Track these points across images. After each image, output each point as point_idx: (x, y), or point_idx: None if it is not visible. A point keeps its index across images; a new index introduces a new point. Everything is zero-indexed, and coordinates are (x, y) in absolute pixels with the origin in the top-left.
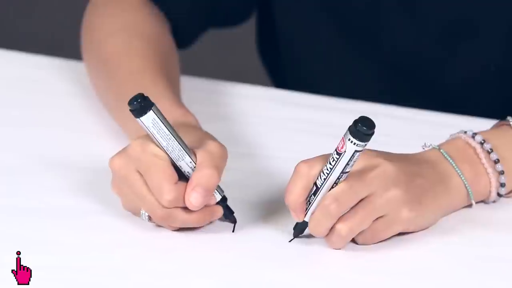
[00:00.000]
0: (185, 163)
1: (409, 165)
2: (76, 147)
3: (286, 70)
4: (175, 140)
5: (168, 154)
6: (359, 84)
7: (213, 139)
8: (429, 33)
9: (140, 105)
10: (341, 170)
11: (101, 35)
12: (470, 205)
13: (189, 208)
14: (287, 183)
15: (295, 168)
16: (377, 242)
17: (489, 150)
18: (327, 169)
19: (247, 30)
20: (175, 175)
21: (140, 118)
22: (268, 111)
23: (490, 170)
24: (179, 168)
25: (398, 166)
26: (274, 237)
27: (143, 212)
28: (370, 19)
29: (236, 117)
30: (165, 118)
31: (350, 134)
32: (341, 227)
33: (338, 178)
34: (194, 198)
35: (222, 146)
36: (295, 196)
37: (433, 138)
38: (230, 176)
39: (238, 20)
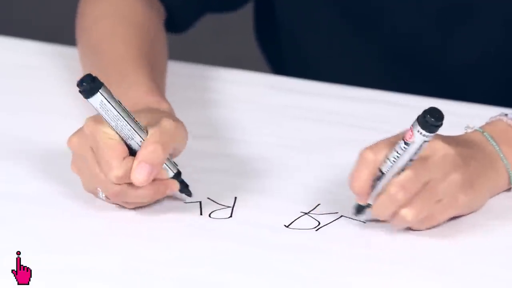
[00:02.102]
0: (135, 142)
1: (465, 148)
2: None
3: (285, 55)
4: (124, 120)
5: (118, 133)
6: (359, 69)
7: (171, 117)
8: (429, 16)
9: (89, 86)
10: (408, 159)
11: (89, 21)
12: (509, 189)
13: (135, 184)
14: (352, 169)
15: (360, 155)
16: (430, 228)
17: None
18: (394, 158)
19: (245, 15)
20: (124, 151)
21: (89, 99)
22: (265, 97)
23: None
24: (131, 147)
25: (456, 149)
26: (271, 223)
27: (100, 191)
28: (370, 3)
29: (233, 103)
30: (114, 99)
31: (419, 125)
32: (407, 213)
33: (404, 166)
34: (138, 174)
35: (176, 123)
36: (361, 183)
37: None
38: (227, 162)
39: (236, 5)
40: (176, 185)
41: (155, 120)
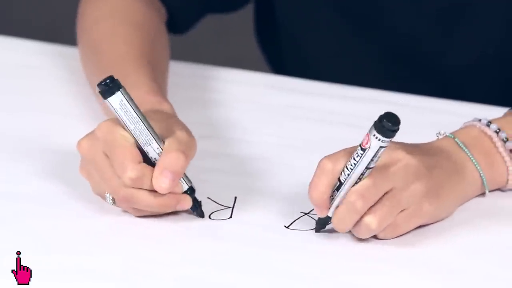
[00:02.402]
0: (152, 149)
1: (428, 156)
2: (74, 133)
3: (285, 55)
4: (142, 124)
5: (134, 138)
6: (359, 69)
7: (183, 128)
8: (428, 16)
9: (109, 86)
10: (365, 166)
11: (90, 21)
12: (483, 194)
13: (158, 190)
14: (311, 178)
15: (319, 164)
16: (396, 237)
17: (505, 139)
18: (351, 165)
19: (245, 15)
20: (139, 156)
21: (108, 99)
22: (266, 97)
23: (507, 158)
24: (145, 154)
25: (418, 159)
26: (271, 224)
27: (108, 195)
28: (370, 3)
29: (233, 103)
30: (133, 102)
31: (375, 129)
32: (371, 220)
33: (362, 174)
34: (162, 182)
35: (190, 136)
36: (319, 193)
37: (430, 124)
38: (227, 162)
39: (237, 6)
40: (188, 201)
41: (167, 129)
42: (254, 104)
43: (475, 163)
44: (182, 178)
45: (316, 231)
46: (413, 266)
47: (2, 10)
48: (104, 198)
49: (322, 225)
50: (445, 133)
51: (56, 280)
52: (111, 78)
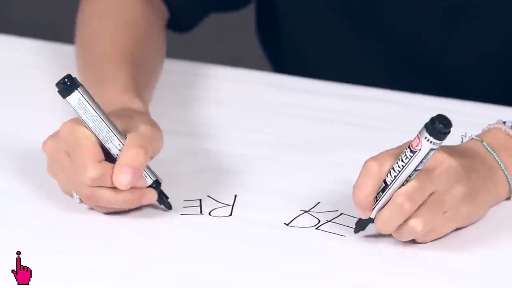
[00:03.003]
0: (114, 145)
1: (467, 159)
2: None
3: (286, 54)
4: (102, 122)
5: (96, 136)
6: (360, 68)
7: (148, 123)
8: (430, 16)
9: (66, 85)
10: (413, 168)
11: (83, 18)
12: (508, 198)
13: (118, 187)
14: (356, 180)
15: (364, 165)
16: (434, 240)
17: None
18: (399, 167)
19: (246, 14)
20: (100, 154)
21: (66, 98)
22: (266, 96)
23: None
24: (109, 151)
25: (459, 161)
26: (271, 221)
27: (75, 194)
28: (371, 2)
29: (234, 102)
30: (93, 100)
31: (427, 132)
32: (416, 224)
33: (409, 176)
34: (121, 177)
35: (153, 129)
36: (364, 195)
37: None
38: (227, 160)
39: (240, 5)
40: (153, 195)
41: (131, 124)
42: (255, 102)
43: (503, 167)
44: (145, 172)
45: (355, 232)
46: (414, 264)
47: (3, 9)
48: (72, 197)
49: (362, 226)
50: (471, 135)
51: (56, 280)
52: (69, 76)
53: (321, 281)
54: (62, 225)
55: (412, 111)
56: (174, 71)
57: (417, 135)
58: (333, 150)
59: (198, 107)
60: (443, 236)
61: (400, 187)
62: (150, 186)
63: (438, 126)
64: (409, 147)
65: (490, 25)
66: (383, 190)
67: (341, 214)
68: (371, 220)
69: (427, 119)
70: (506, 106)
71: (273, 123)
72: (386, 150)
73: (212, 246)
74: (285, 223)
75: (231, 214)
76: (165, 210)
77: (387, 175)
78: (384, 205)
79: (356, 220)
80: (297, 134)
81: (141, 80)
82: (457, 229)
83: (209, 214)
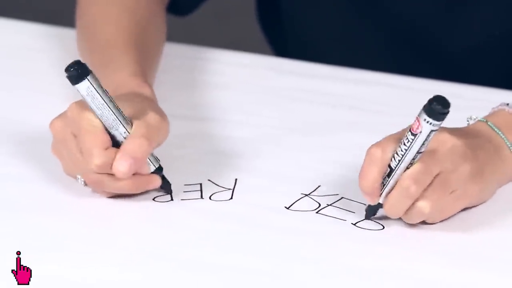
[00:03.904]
0: (119, 133)
1: (471, 139)
2: None
3: (287, 37)
4: (109, 110)
5: (102, 122)
6: (362, 52)
7: (156, 111)
8: None
9: (77, 72)
10: (416, 151)
11: (85, 4)
12: None
13: (117, 175)
14: (361, 167)
15: (367, 152)
16: (442, 220)
17: None
18: (402, 151)
19: None
20: (107, 141)
21: (76, 85)
22: (267, 79)
23: None
24: (114, 138)
25: (463, 140)
26: (271, 205)
27: (79, 177)
28: None
29: (234, 85)
30: (101, 87)
31: (426, 113)
32: (424, 205)
33: (413, 159)
34: (120, 166)
35: (161, 118)
36: (370, 182)
37: None
38: (228, 144)
39: None
40: (157, 181)
41: (139, 111)
42: (255, 86)
43: (509, 145)
44: (149, 159)
45: (366, 218)
46: (416, 248)
47: None
48: (75, 178)
49: (372, 212)
50: (476, 117)
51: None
52: (78, 63)
53: (321, 264)
54: (63, 210)
55: (413, 95)
56: (175, 55)
57: (417, 117)
58: (334, 134)
59: (199, 91)
60: (453, 215)
61: (405, 170)
62: (154, 172)
63: (436, 107)
64: (410, 130)
65: (494, 8)
66: (388, 175)
67: (342, 198)
68: (380, 205)
69: None
70: (510, 90)
71: (274, 106)
72: (388, 136)
73: (212, 230)
74: (285, 207)
75: (231, 198)
76: (164, 194)
77: (391, 160)
78: (391, 190)
79: (356, 204)
80: (298, 117)
81: (146, 65)
82: (466, 209)
83: (210, 198)
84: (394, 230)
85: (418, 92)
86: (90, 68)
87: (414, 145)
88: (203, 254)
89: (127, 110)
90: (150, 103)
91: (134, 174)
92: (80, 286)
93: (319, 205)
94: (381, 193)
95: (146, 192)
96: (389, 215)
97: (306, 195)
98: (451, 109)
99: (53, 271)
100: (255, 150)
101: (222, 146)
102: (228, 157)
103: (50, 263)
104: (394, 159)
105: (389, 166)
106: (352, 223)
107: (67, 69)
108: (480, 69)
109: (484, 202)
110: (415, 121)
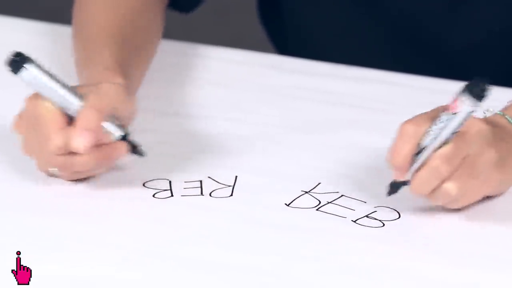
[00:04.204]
0: (74, 110)
1: (495, 128)
2: None
3: (288, 35)
4: (58, 90)
5: (57, 105)
6: (363, 49)
7: (112, 82)
8: None
9: (16, 62)
10: (451, 131)
11: (79, 1)
12: None
13: (77, 152)
14: (392, 143)
15: (400, 128)
16: (464, 207)
17: None
18: (436, 130)
19: None
20: (61, 122)
21: (17, 75)
22: (268, 77)
23: None
24: (73, 117)
25: (489, 126)
26: (271, 202)
27: (51, 169)
28: None
29: (234, 83)
30: (44, 71)
31: (467, 93)
32: (451, 187)
33: (447, 139)
34: (76, 141)
35: (115, 87)
36: (402, 157)
37: (437, 105)
38: (228, 141)
39: None
40: (123, 146)
41: (92, 86)
42: (256, 84)
43: None
44: (109, 128)
45: (388, 195)
46: (416, 245)
47: None
48: (49, 174)
49: (395, 188)
50: (493, 110)
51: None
52: (17, 53)
53: (321, 262)
54: (62, 209)
55: (414, 93)
56: (174, 52)
57: (455, 98)
58: (334, 132)
59: (199, 89)
60: (474, 202)
61: (436, 150)
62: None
63: (477, 88)
64: (446, 109)
65: (494, 5)
66: (418, 153)
67: (342, 195)
68: (404, 183)
69: (430, 101)
70: (510, 88)
71: (274, 104)
72: (421, 113)
73: (212, 227)
74: (285, 204)
75: (231, 195)
76: (140, 156)
77: (423, 138)
78: (419, 168)
79: (356, 201)
80: (299, 115)
81: (130, 61)
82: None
83: (210, 195)
84: (394, 227)
85: (419, 90)
86: (76, 64)
87: (450, 125)
88: (203, 251)
89: (83, 89)
90: (110, 83)
91: (97, 146)
92: (80, 285)
93: (319, 202)
94: (409, 170)
95: (146, 188)
96: (414, 193)
97: (306, 192)
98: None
99: (53, 271)
100: (255, 147)
101: (222, 143)
102: (229, 154)
103: (50, 263)
104: (427, 137)
105: (420, 144)
106: (352, 220)
107: (6, 62)
108: (480, 67)
109: (502, 193)
110: (454, 101)
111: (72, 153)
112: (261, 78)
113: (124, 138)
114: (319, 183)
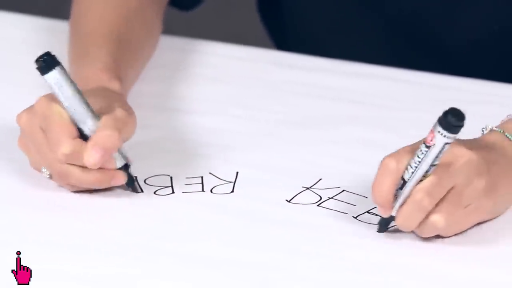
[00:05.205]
0: (87, 127)
1: (486, 152)
2: None
3: (288, 31)
4: (78, 103)
5: (70, 115)
6: (362, 45)
7: (123, 106)
8: None
9: (46, 62)
10: (430, 163)
11: None
12: None
13: (86, 165)
14: (374, 178)
15: (381, 163)
16: (455, 235)
17: None
18: (415, 163)
19: None
20: (74, 132)
21: (44, 76)
22: (268, 73)
23: None
24: (82, 131)
25: (479, 154)
26: (272, 198)
27: (44, 170)
28: None
29: (235, 79)
30: (70, 79)
31: (440, 126)
32: (438, 219)
33: (426, 171)
34: (90, 156)
35: (128, 112)
36: (384, 193)
37: (438, 101)
38: (228, 137)
39: None
40: (122, 177)
41: (107, 106)
42: (256, 80)
43: None
44: (116, 155)
45: (379, 232)
46: (417, 242)
47: None
48: (40, 172)
49: (385, 225)
50: (492, 127)
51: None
52: (48, 54)
53: (321, 258)
54: (61, 207)
55: (413, 89)
56: (175, 48)
57: (431, 129)
58: (334, 128)
59: (199, 85)
60: (465, 230)
61: (418, 183)
62: (120, 168)
63: (451, 120)
64: (424, 142)
65: (494, 2)
66: (401, 187)
67: (343, 191)
68: (392, 218)
69: (428, 96)
70: (510, 84)
71: (274, 100)
72: (403, 147)
73: (213, 223)
74: (286, 200)
75: (232, 191)
76: (133, 192)
77: (404, 172)
78: (404, 203)
79: (357, 196)
80: (299, 111)
81: (125, 60)
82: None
83: (211, 191)
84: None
85: (418, 86)
86: (70, 61)
87: (427, 158)
88: (204, 248)
89: (94, 105)
90: (118, 98)
91: (100, 168)
92: (80, 283)
93: (320, 198)
94: (394, 206)
95: (147, 185)
96: (401, 229)
97: (307, 188)
98: (451, 101)
99: (53, 271)
100: (256, 143)
101: (223, 139)
102: (229, 150)
103: (50, 263)
104: (408, 171)
105: (402, 178)
106: (353, 216)
107: (36, 60)
108: (480, 64)
109: (498, 216)
110: (429, 133)
111: (74, 165)
112: (262, 74)
113: (125, 167)
114: (320, 179)
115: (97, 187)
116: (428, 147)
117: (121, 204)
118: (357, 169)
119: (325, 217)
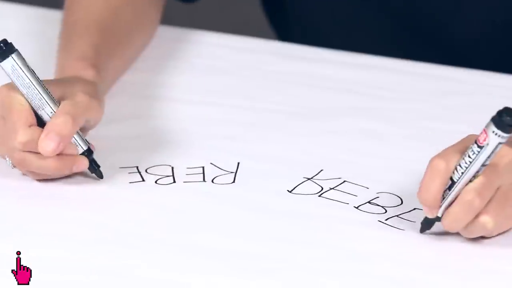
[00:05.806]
0: (46, 113)
1: None
2: None
3: (291, 22)
4: (35, 89)
5: (29, 102)
6: (365, 36)
7: (87, 92)
8: None
9: (1, 50)
10: (481, 163)
11: None
12: None
13: (43, 154)
14: (422, 179)
15: (430, 164)
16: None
17: None
18: (466, 163)
19: None
20: (31, 119)
21: (0, 63)
22: (271, 64)
23: None
24: (42, 119)
25: None
26: (274, 188)
27: (7, 158)
28: None
29: (236, 70)
30: (27, 66)
31: (494, 125)
32: (488, 220)
33: (477, 172)
34: (45, 144)
35: (90, 98)
36: (432, 194)
37: (440, 92)
38: (230, 128)
39: None
40: (84, 162)
41: (69, 92)
42: (258, 71)
43: None
44: (76, 140)
45: (421, 232)
46: (416, 232)
47: None
48: (4, 159)
49: (428, 225)
50: None
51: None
52: (4, 41)
53: (323, 248)
54: (62, 200)
55: (416, 80)
56: (177, 39)
57: (484, 129)
58: (336, 119)
59: (201, 76)
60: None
61: (467, 183)
62: (82, 154)
63: (506, 119)
64: (475, 142)
65: None
66: (449, 188)
67: (344, 181)
68: (437, 219)
69: (435, 88)
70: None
71: (276, 91)
72: (450, 147)
73: (214, 213)
74: (288, 190)
75: (234, 181)
76: (96, 179)
77: (453, 172)
78: (451, 203)
79: (358, 187)
80: (301, 102)
81: (108, 50)
82: None
83: (212, 181)
84: (396, 213)
85: (420, 77)
86: (57, 50)
87: (480, 157)
88: (205, 238)
89: (56, 92)
90: (84, 85)
91: (60, 155)
92: (80, 279)
93: (322, 188)
94: (441, 207)
95: (148, 174)
96: (448, 229)
97: (309, 178)
98: (454, 92)
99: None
100: (257, 134)
101: (224, 130)
102: (231, 141)
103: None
104: (457, 171)
105: (451, 178)
106: (354, 206)
107: None
108: (484, 56)
109: None
110: (481, 133)
111: (33, 152)
112: (264, 65)
113: (87, 153)
114: (321, 170)
115: (59, 174)
116: (480, 147)
117: (123, 193)
118: (358, 160)
119: (326, 208)
